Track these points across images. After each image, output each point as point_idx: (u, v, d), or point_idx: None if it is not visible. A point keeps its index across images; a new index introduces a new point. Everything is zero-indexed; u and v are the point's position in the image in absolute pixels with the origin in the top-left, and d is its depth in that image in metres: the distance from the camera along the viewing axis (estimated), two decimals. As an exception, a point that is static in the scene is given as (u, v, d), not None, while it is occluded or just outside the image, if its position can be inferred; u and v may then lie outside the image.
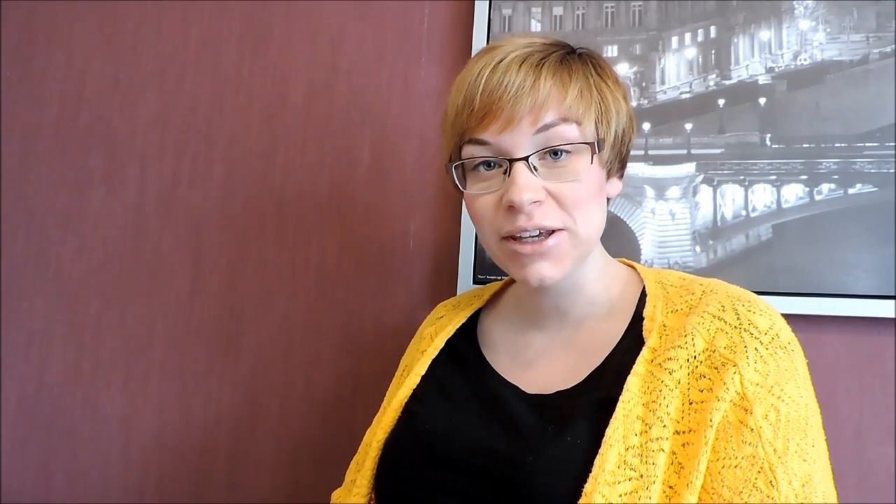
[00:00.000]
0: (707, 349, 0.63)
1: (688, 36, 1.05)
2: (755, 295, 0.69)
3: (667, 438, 0.60)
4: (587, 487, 0.58)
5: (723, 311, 0.66)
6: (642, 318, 0.69)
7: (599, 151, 0.69)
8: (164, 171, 1.25)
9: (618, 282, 0.76)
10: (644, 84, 1.05)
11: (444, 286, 1.10)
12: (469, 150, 0.70)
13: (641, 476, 0.58)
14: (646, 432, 0.60)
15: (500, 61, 0.69)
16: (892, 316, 0.91)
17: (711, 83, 1.03)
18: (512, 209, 0.67)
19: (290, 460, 1.13)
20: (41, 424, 1.23)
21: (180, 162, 1.25)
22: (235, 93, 1.24)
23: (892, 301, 0.92)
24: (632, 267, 0.78)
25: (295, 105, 1.21)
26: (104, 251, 1.26)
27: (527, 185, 0.66)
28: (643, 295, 0.72)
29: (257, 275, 1.19)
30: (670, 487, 0.58)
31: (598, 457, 0.59)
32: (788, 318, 0.96)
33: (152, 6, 1.30)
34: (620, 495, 0.57)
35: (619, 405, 0.62)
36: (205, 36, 1.27)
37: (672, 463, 0.59)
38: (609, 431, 0.60)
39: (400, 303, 1.12)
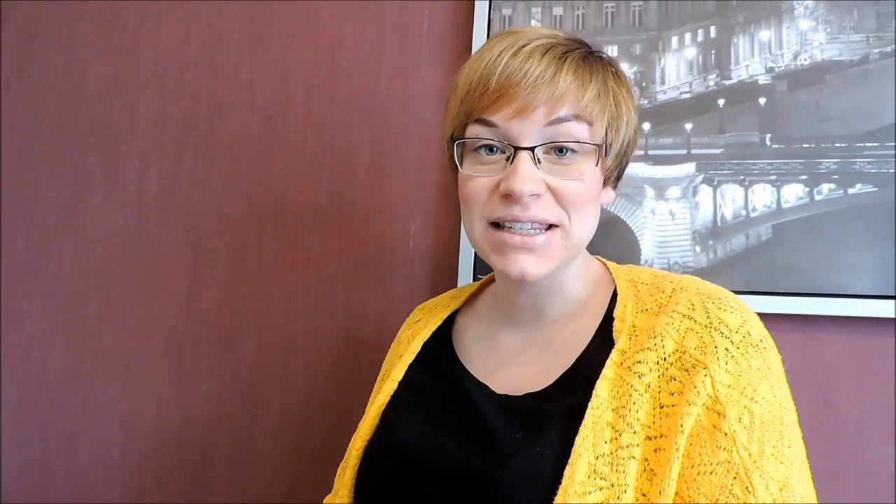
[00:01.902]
0: (677, 350, 0.62)
1: (688, 36, 1.05)
2: (727, 292, 0.67)
3: (637, 445, 0.59)
4: (557, 499, 0.57)
5: (692, 309, 0.64)
6: (613, 318, 0.68)
7: (605, 156, 0.69)
8: (164, 171, 1.25)
9: (593, 280, 0.75)
10: (644, 84, 1.05)
11: (444, 286, 1.10)
12: (474, 130, 0.68)
13: (612, 485, 0.57)
14: (616, 439, 0.59)
15: (524, 46, 0.67)
16: (892, 316, 0.91)
17: (711, 83, 1.03)
18: (508, 197, 0.65)
19: (290, 460, 1.13)
20: (41, 424, 1.23)
21: (180, 162, 1.25)
22: (235, 93, 1.24)
23: (892, 301, 0.92)
24: (604, 264, 0.77)
25: (295, 105, 1.21)
26: (104, 251, 1.26)
27: (529, 175, 0.65)
28: (615, 294, 0.71)
29: (257, 275, 1.19)
30: (643, 495, 0.57)
31: (567, 467, 0.58)
32: (788, 318, 0.97)
33: (152, 6, 1.30)
34: None
35: (589, 412, 0.60)
36: (205, 36, 1.27)
37: (644, 469, 0.58)
38: (578, 440, 0.59)
39: (400, 303, 1.12)
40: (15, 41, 1.35)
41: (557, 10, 1.10)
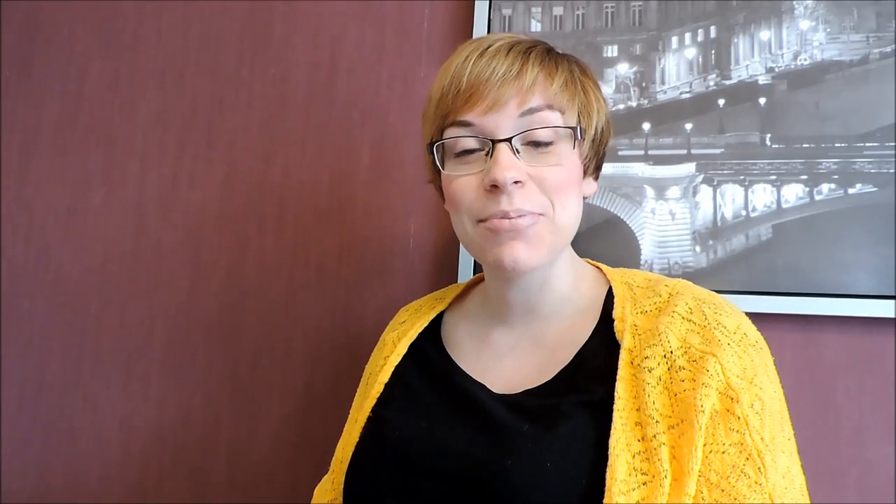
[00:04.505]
0: (682, 346, 0.64)
1: (688, 36, 1.05)
2: (720, 296, 0.70)
3: (663, 432, 0.61)
4: (605, 500, 0.58)
5: (691, 313, 0.66)
6: (611, 319, 0.69)
7: (581, 139, 0.71)
8: (164, 171, 1.25)
9: (585, 280, 0.76)
10: (644, 84, 1.05)
11: (444, 285, 1.09)
12: (452, 132, 0.70)
13: (653, 477, 0.59)
14: (644, 435, 0.61)
15: (488, 48, 0.70)
16: (892, 316, 0.91)
17: (711, 83, 1.03)
18: (493, 190, 0.67)
19: (290, 460, 1.13)
20: (41, 424, 1.23)
21: (180, 162, 1.25)
22: (235, 93, 1.24)
23: (892, 301, 0.92)
24: (597, 267, 0.79)
25: (295, 105, 1.21)
26: (104, 251, 1.26)
27: (509, 163, 0.66)
28: (609, 296, 0.72)
29: (257, 275, 1.19)
30: (675, 480, 0.59)
31: (607, 469, 0.59)
32: (788, 318, 0.97)
33: (152, 6, 1.30)
34: (638, 502, 0.58)
35: (615, 414, 0.62)
36: (205, 36, 1.27)
37: (674, 458, 0.60)
38: (612, 442, 0.60)
39: (400, 303, 1.11)
40: (15, 41, 1.35)
41: (557, 10, 1.10)
